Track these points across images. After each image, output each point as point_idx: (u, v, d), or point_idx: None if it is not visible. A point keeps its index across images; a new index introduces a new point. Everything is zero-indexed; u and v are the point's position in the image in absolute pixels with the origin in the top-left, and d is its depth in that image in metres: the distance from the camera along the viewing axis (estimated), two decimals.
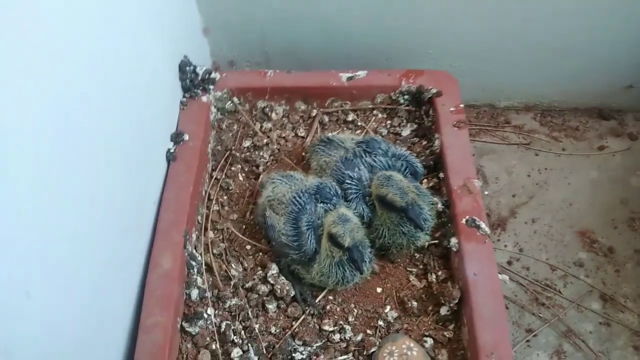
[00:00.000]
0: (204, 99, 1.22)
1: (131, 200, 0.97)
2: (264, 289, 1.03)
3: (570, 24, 1.35)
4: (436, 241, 1.11)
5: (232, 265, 1.07)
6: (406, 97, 1.28)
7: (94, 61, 0.81)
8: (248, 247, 1.13)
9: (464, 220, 1.06)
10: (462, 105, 1.22)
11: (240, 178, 1.23)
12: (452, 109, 1.22)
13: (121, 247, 0.93)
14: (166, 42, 1.14)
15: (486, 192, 1.49)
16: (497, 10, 1.31)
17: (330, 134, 1.22)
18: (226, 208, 1.18)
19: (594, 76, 1.52)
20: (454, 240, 1.06)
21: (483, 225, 1.05)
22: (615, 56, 1.45)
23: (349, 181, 1.06)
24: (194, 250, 1.07)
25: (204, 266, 1.06)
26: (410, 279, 1.09)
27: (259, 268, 1.08)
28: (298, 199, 1.00)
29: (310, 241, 0.97)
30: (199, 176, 1.13)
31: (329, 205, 1.03)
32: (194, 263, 1.04)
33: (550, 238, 1.41)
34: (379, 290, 1.08)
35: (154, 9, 1.07)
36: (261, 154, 1.24)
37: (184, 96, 1.21)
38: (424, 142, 1.25)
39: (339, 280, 0.99)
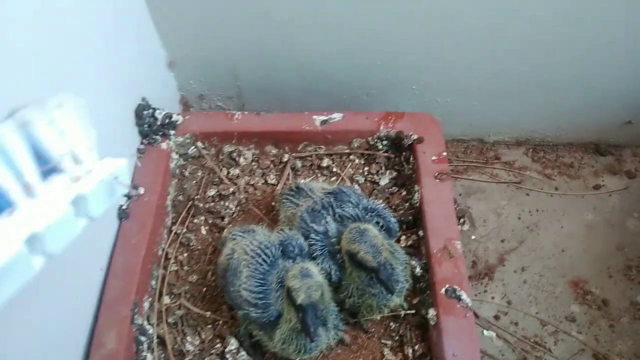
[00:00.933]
0: (164, 145, 1.11)
1: (73, 268, 0.87)
2: None
3: (566, 57, 1.25)
4: (413, 310, 1.00)
5: (188, 337, 0.97)
6: (385, 142, 1.17)
7: None
8: (208, 313, 1.02)
9: (443, 290, 0.96)
10: (445, 154, 1.12)
11: (203, 232, 1.12)
12: (433, 157, 1.11)
13: (60, 323, 0.83)
14: (121, 85, 1.04)
15: (473, 237, 1.39)
16: (484, 45, 1.20)
17: (301, 181, 1.11)
18: (185, 268, 1.07)
19: (590, 111, 1.42)
20: (432, 312, 0.96)
21: (464, 296, 0.95)
22: (613, 91, 1.35)
23: (313, 235, 0.96)
24: (146, 322, 0.98)
25: (155, 340, 0.96)
26: (385, 353, 0.99)
27: (218, 341, 0.98)
28: (266, 250, 0.90)
29: (280, 300, 0.87)
30: (154, 235, 1.02)
31: (292, 263, 0.92)
32: (143, 338, 0.95)
33: (541, 289, 1.32)
34: None
35: (107, 49, 0.97)
36: (227, 204, 1.14)
37: (141, 143, 1.11)
38: (404, 193, 1.15)
39: (300, 349, 0.89)
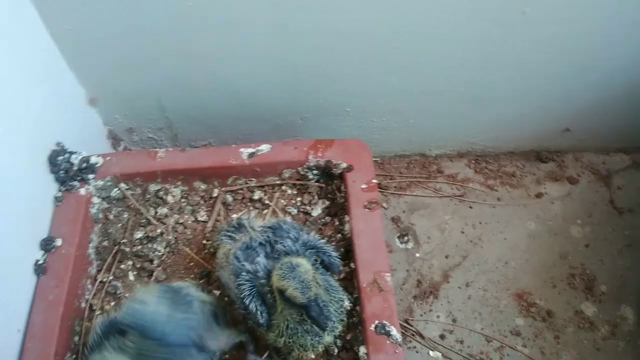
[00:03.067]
0: (82, 191, 1.07)
1: None
2: None
3: (496, 74, 1.24)
4: (347, 347, 0.99)
5: None
6: (315, 172, 1.15)
7: None
8: None
9: (372, 327, 0.94)
10: (374, 181, 1.10)
11: (131, 277, 1.09)
12: (363, 185, 1.09)
13: None
14: (30, 133, 0.99)
15: (417, 255, 1.38)
16: (415, 65, 1.18)
17: (244, 217, 1.07)
18: None
19: (529, 122, 1.42)
20: (362, 350, 0.94)
21: (394, 332, 0.94)
22: (550, 102, 1.35)
23: (244, 274, 0.92)
24: None
25: None
26: None
27: None
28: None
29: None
30: (73, 288, 0.99)
31: None
32: None
33: (486, 304, 1.31)
34: None
35: (9, 96, 0.92)
36: (155, 246, 1.11)
37: (59, 190, 1.06)
38: (336, 223, 1.13)
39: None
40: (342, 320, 0.96)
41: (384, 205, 1.43)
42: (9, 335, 0.91)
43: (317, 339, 0.93)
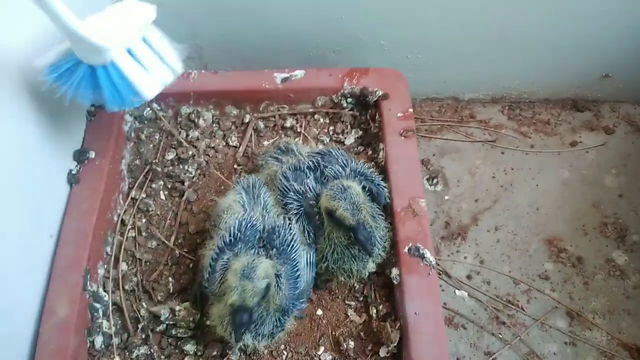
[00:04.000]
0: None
1: (23, 234, 0.83)
2: (174, 332, 0.90)
3: (540, 9, 1.19)
4: (378, 270, 0.98)
5: (144, 303, 0.94)
6: (350, 100, 1.13)
7: None
8: (170, 279, 0.99)
9: (406, 249, 0.93)
10: (410, 110, 1.08)
11: (162, 197, 1.08)
12: (399, 114, 1.07)
13: (8, 293, 0.80)
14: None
15: (447, 197, 1.36)
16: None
17: (292, 142, 1.06)
18: (144, 234, 1.04)
19: (567, 65, 1.37)
20: (395, 272, 0.93)
21: (428, 255, 0.92)
22: (590, 44, 1.30)
23: (292, 194, 0.91)
24: (101, 289, 0.94)
25: (111, 307, 0.93)
26: (349, 314, 0.97)
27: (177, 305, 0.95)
28: (236, 231, 0.83)
29: (218, 283, 0.82)
30: (106, 200, 0.98)
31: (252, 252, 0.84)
32: (98, 305, 0.92)
33: (514, 247, 1.29)
34: (312, 327, 0.95)
35: None
36: (186, 167, 1.10)
37: (92, 105, 1.05)
38: (370, 152, 1.11)
39: (228, 335, 0.82)
40: (385, 249, 0.95)
41: None
42: (42, 240, 0.91)
43: (361, 264, 0.91)
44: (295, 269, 0.84)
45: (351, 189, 0.86)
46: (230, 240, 0.82)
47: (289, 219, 0.89)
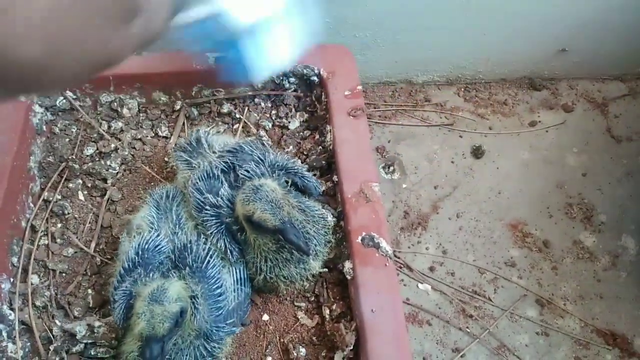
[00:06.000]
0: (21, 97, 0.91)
1: None
2: (93, 352, 0.77)
3: None
4: (328, 266, 0.87)
5: (57, 321, 0.80)
6: (292, 80, 1.02)
7: None
8: (90, 291, 0.86)
9: (359, 239, 0.83)
10: (359, 88, 0.98)
11: (81, 197, 0.95)
12: (347, 92, 0.97)
13: None
14: None
15: (404, 185, 1.27)
16: None
17: (201, 132, 0.93)
18: (59, 241, 0.90)
19: (522, 40, 1.31)
20: (348, 265, 0.83)
21: (384, 244, 0.82)
22: (546, 17, 1.24)
23: (208, 209, 0.80)
24: (5, 307, 0.80)
25: (17, 327, 0.79)
26: (299, 317, 0.85)
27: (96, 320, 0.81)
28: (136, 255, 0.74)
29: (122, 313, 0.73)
30: (11, 203, 0.84)
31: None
32: (1, 326, 0.77)
33: (478, 235, 1.21)
34: (258, 335, 0.84)
35: None
36: (109, 163, 0.97)
37: None
38: (317, 136, 1.00)
39: None
40: (329, 242, 0.84)
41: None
42: None
43: (302, 266, 0.81)
44: (215, 286, 0.74)
45: (264, 187, 0.76)
46: (129, 266, 0.73)
47: (206, 237, 0.80)
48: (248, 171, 0.81)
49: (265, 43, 0.74)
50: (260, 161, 0.83)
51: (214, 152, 0.88)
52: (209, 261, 0.75)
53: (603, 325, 1.11)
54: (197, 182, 0.82)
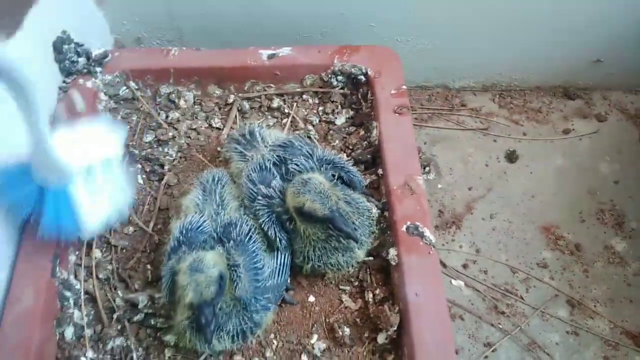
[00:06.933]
0: (89, 84, 0.99)
1: None
2: (153, 321, 0.82)
3: None
4: (374, 254, 0.91)
5: (119, 292, 0.86)
6: (340, 78, 1.07)
7: None
8: (149, 266, 0.91)
9: (404, 228, 0.87)
10: (404, 87, 1.03)
11: (140, 181, 1.01)
12: (393, 91, 1.02)
13: None
14: (34, 13, 0.91)
15: (439, 186, 1.31)
16: None
17: (255, 126, 0.98)
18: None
19: (558, 50, 1.35)
20: (392, 252, 0.87)
21: (427, 233, 0.86)
22: (581, 28, 1.28)
23: (260, 199, 0.85)
24: (72, 277, 0.86)
25: (83, 296, 0.85)
26: (343, 300, 0.90)
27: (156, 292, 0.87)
28: (182, 233, 0.80)
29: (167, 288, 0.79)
30: None
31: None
32: (69, 293, 0.83)
33: (511, 236, 1.24)
34: (305, 315, 0.88)
35: None
36: (166, 150, 1.03)
37: (63, 81, 0.98)
38: (362, 132, 1.05)
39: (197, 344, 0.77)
40: (373, 232, 0.89)
41: None
42: (10, 222, 0.82)
43: (349, 254, 0.86)
44: (255, 259, 0.80)
45: (312, 179, 0.81)
46: (174, 245, 0.79)
47: (259, 225, 0.85)
48: (297, 165, 0.86)
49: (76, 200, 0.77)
50: (309, 155, 0.88)
51: (266, 146, 0.94)
52: (250, 237, 0.81)
53: (633, 328, 1.13)
54: (250, 174, 0.87)
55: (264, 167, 0.88)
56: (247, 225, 0.82)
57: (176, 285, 0.74)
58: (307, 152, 0.89)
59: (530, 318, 1.14)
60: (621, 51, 1.34)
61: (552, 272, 1.20)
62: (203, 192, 0.88)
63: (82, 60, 0.98)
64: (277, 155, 0.89)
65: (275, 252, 0.85)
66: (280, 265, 0.84)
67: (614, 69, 1.39)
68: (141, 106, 1.06)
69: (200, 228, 0.81)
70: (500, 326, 1.12)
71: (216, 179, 0.90)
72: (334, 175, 0.89)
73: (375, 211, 0.93)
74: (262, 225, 0.84)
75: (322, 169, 0.88)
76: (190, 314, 0.74)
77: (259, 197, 0.85)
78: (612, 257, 1.23)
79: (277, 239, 0.84)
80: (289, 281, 0.87)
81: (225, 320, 0.76)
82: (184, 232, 0.79)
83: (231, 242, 0.79)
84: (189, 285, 0.70)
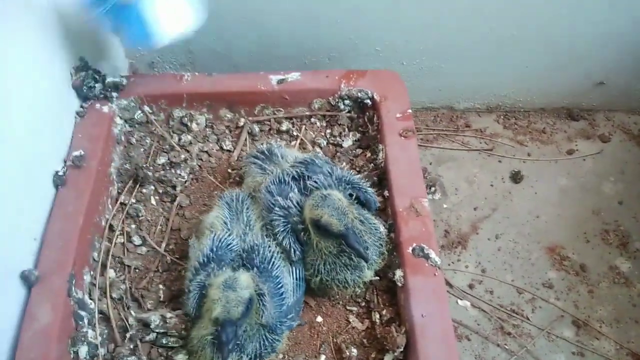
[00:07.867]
0: (105, 109, 1.02)
1: (4, 236, 0.78)
2: (165, 341, 0.84)
3: (535, 15, 1.20)
4: (379, 274, 0.93)
5: (132, 311, 0.88)
6: (347, 102, 1.10)
7: None
8: (161, 286, 0.94)
9: (410, 249, 0.89)
10: (410, 111, 1.05)
11: (153, 202, 1.04)
12: (398, 115, 1.05)
13: None
14: (56, 42, 0.95)
15: (445, 206, 1.33)
16: (451, 1, 1.14)
17: (273, 144, 1.02)
18: (134, 240, 0.98)
19: (562, 73, 1.37)
20: (399, 273, 0.89)
21: (433, 255, 0.88)
22: (585, 51, 1.31)
23: (277, 210, 0.88)
24: (86, 296, 0.88)
25: (97, 316, 0.87)
26: (351, 320, 0.92)
27: (168, 312, 0.89)
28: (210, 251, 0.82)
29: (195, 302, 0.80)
30: (93, 203, 0.93)
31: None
32: (83, 313, 0.86)
33: (516, 256, 1.26)
34: (312, 335, 0.90)
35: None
36: (179, 172, 1.06)
37: (81, 106, 1.01)
38: (368, 154, 1.08)
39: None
40: (382, 254, 0.91)
41: None
42: (25, 243, 0.85)
43: (357, 272, 0.88)
44: (279, 285, 0.82)
45: (332, 195, 0.84)
46: (204, 261, 0.81)
47: (274, 235, 0.88)
48: (317, 182, 0.89)
49: (162, 5, 0.82)
50: (328, 174, 0.91)
51: (287, 161, 0.97)
52: (274, 262, 0.82)
53: (638, 349, 1.14)
54: (269, 186, 0.91)
55: (283, 180, 0.91)
56: (270, 251, 0.84)
57: (205, 298, 0.76)
58: (327, 170, 0.92)
59: (536, 339, 1.15)
60: (623, 73, 1.37)
61: (558, 292, 1.21)
62: (229, 211, 0.90)
63: (98, 85, 1.01)
64: (297, 171, 0.92)
65: (291, 267, 0.87)
66: (297, 279, 0.87)
67: (616, 90, 1.42)
68: (155, 129, 1.09)
69: (230, 246, 0.83)
70: (507, 347, 1.13)
71: (240, 198, 0.92)
72: (351, 195, 0.91)
73: (383, 230, 0.95)
74: (277, 236, 0.87)
75: (340, 187, 0.90)
76: (213, 330, 0.76)
77: (276, 208, 0.88)
78: (617, 277, 1.24)
79: (292, 250, 0.87)
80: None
81: (248, 342, 0.78)
82: (214, 249, 0.82)
83: (255, 268, 0.81)
84: (219, 300, 0.73)
